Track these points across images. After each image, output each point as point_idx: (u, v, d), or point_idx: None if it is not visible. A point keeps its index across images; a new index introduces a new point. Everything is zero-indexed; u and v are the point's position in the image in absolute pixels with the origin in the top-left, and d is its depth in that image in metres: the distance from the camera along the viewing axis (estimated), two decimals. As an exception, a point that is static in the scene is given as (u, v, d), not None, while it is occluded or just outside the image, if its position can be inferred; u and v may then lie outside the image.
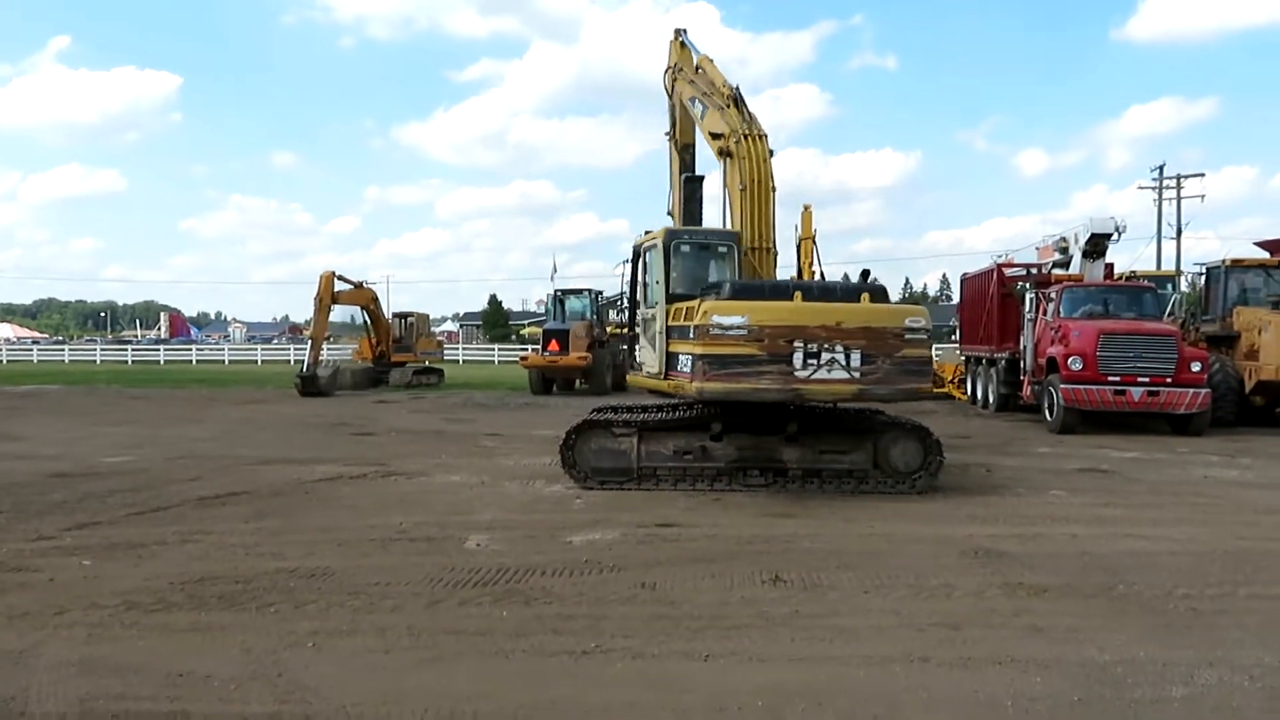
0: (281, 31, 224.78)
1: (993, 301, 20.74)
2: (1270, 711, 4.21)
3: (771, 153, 11.21)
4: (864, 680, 4.50)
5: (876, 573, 6.42)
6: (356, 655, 4.82)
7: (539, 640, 5.04)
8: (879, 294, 9.58)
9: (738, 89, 11.69)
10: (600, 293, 28.07)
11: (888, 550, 7.17)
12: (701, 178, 12.84)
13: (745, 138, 11.11)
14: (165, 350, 63.48)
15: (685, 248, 11.03)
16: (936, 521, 8.27)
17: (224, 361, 57.60)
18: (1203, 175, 49.39)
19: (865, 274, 11.53)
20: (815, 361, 8.80)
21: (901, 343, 8.84)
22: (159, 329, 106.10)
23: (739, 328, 8.84)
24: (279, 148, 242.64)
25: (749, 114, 11.42)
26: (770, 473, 9.75)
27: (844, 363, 8.81)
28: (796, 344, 8.83)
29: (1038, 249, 21.77)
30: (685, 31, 13.74)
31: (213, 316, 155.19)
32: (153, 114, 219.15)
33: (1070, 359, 15.65)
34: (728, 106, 11.56)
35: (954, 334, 35.13)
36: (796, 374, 8.82)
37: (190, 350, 64.58)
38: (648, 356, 10.91)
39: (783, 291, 9.50)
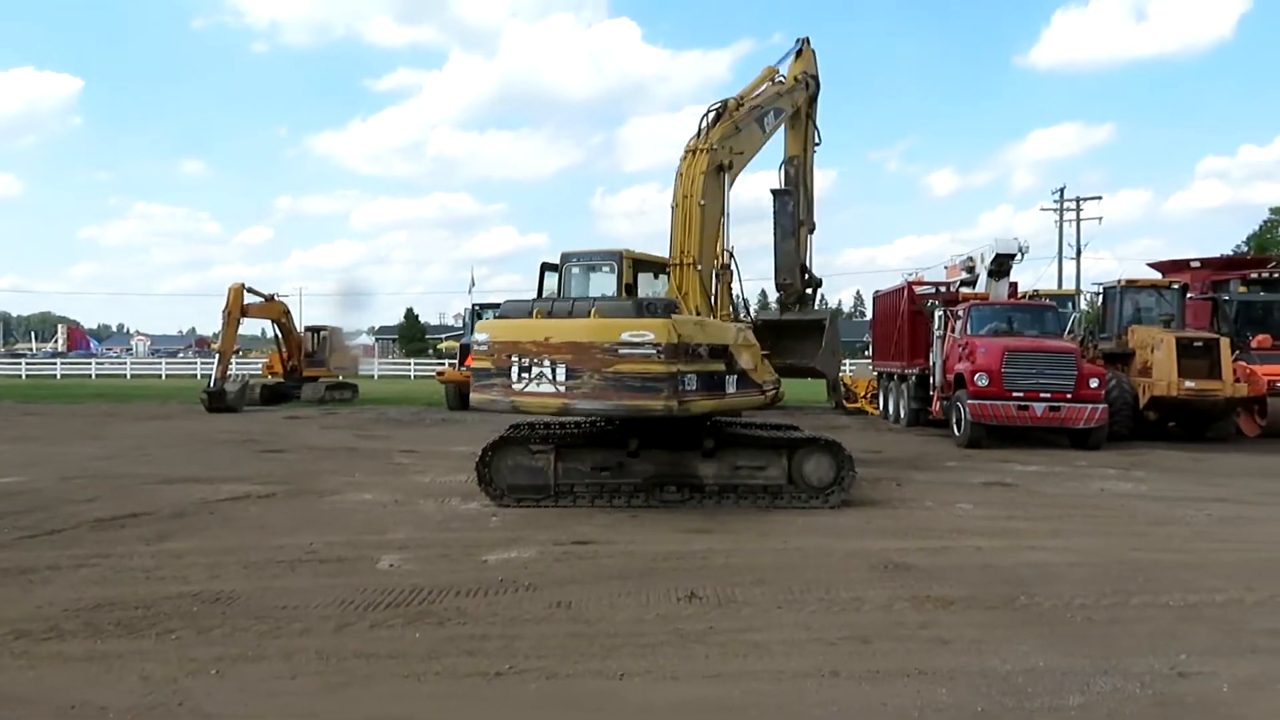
0: (191, 35, 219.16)
1: (904, 319, 21.28)
2: (1160, 718, 4.39)
3: (723, 167, 11.12)
4: (776, 695, 4.56)
5: (790, 587, 6.52)
6: (262, 681, 4.69)
7: (452, 662, 4.98)
8: (656, 309, 9.02)
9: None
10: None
11: (801, 565, 7.27)
12: (786, 191, 13.26)
13: (689, 152, 11.10)
14: (63, 364, 60.86)
15: (575, 268, 11.34)
16: (848, 536, 8.43)
17: (126, 376, 55.46)
18: (1100, 198, 51.51)
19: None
20: (527, 375, 9.17)
21: (614, 358, 8.70)
22: (56, 341, 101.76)
23: (481, 344, 9.63)
24: (188, 155, 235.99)
25: (703, 128, 11.32)
26: (687, 488, 9.82)
27: (550, 376, 9.02)
28: (513, 359, 9.25)
29: (946, 268, 22.50)
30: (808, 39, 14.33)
31: (114, 329, 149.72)
32: (52, 117, 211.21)
33: (977, 375, 16.14)
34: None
35: (867, 350, 35.89)
36: (514, 386, 9.26)
37: (90, 364, 62.07)
38: None
39: (562, 312, 9.50)
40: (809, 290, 13.72)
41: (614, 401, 8.75)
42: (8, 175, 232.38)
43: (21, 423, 21.56)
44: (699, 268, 10.72)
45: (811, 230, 14.05)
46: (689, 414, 8.96)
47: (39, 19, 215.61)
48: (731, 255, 11.34)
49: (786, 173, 14.06)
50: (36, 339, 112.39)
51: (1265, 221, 61.89)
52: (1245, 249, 54.56)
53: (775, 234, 12.98)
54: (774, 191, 13.26)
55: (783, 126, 13.49)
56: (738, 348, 9.80)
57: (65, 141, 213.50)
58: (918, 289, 21.65)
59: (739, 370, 9.69)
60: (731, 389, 9.56)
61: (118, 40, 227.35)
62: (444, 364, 38.69)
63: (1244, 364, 17.91)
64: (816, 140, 14.35)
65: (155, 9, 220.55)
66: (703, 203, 10.84)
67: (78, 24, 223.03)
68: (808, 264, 13.65)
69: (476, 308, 29.09)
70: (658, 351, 8.61)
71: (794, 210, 13.18)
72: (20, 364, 60.42)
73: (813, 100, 14.26)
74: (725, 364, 9.47)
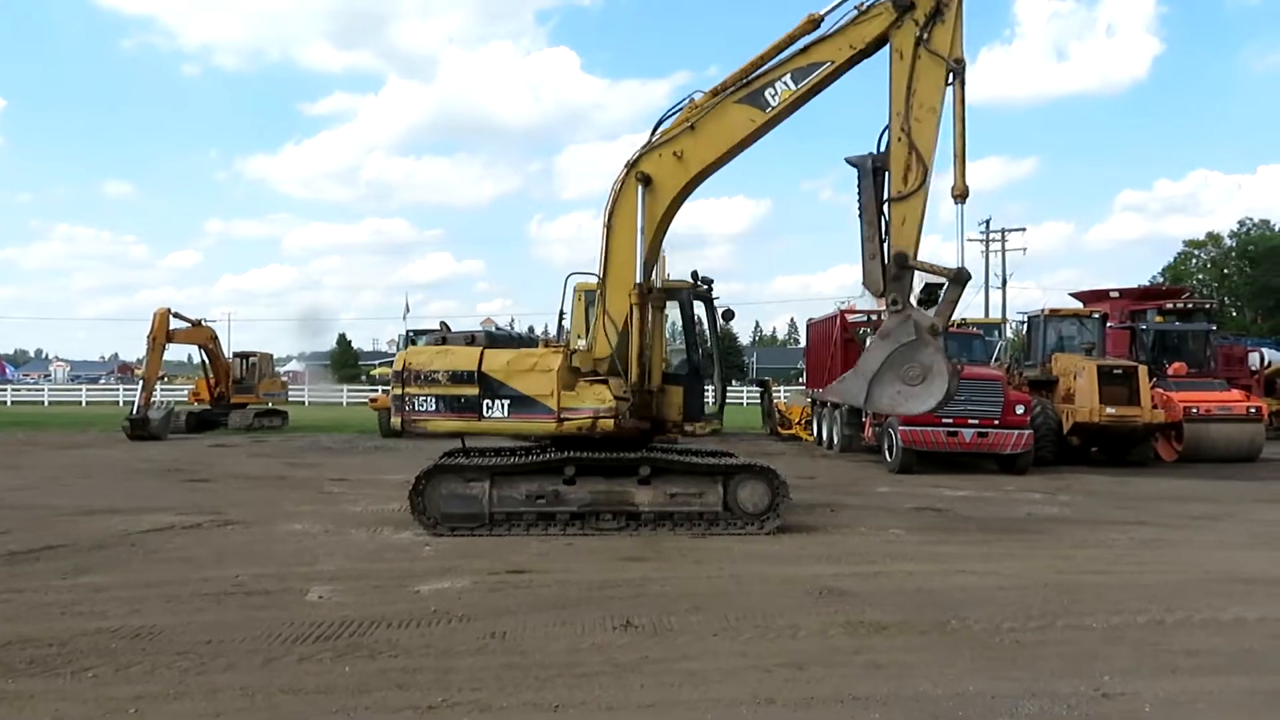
0: (119, 56, 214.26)
1: (837, 346, 21.59)
2: (1085, 737, 4.49)
3: (642, 179, 10.05)
4: (712, 724, 4.55)
5: (725, 614, 6.53)
6: (184, 720, 4.54)
7: (383, 696, 4.88)
8: (473, 340, 10.48)
9: None
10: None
11: (736, 591, 7.30)
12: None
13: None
14: (-24, 390, 58.58)
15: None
16: (783, 562, 8.48)
17: (44, 403, 53.62)
18: (1025, 229, 53.13)
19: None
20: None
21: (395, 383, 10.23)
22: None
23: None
24: (113, 176, 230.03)
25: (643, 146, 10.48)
26: (623, 516, 9.79)
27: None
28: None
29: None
30: None
31: (32, 354, 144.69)
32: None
33: (907, 402, 16.39)
34: None
35: (801, 377, 36.28)
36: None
37: (5, 390, 59.82)
38: None
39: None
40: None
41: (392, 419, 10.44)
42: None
43: (-70, 452, 20.67)
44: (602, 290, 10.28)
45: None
46: (424, 431, 10.17)
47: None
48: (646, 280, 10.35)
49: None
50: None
51: (1179, 253, 64.52)
52: (1161, 280, 56.66)
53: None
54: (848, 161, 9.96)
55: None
56: (511, 373, 9.83)
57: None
58: (850, 317, 22.02)
59: (512, 395, 9.80)
60: (497, 413, 9.85)
61: (43, 60, 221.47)
62: (377, 390, 38.13)
63: (1161, 391, 18.54)
64: (953, 67, 9.35)
65: (82, 29, 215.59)
66: (609, 224, 10.22)
67: (3, 43, 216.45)
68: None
69: (411, 334, 28.80)
70: (394, 375, 10.21)
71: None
72: (-70, 390, 58.01)
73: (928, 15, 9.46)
74: (481, 388, 9.81)
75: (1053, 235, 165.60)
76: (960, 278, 9.56)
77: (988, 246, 50.36)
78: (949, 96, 9.44)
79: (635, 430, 10.07)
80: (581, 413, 9.81)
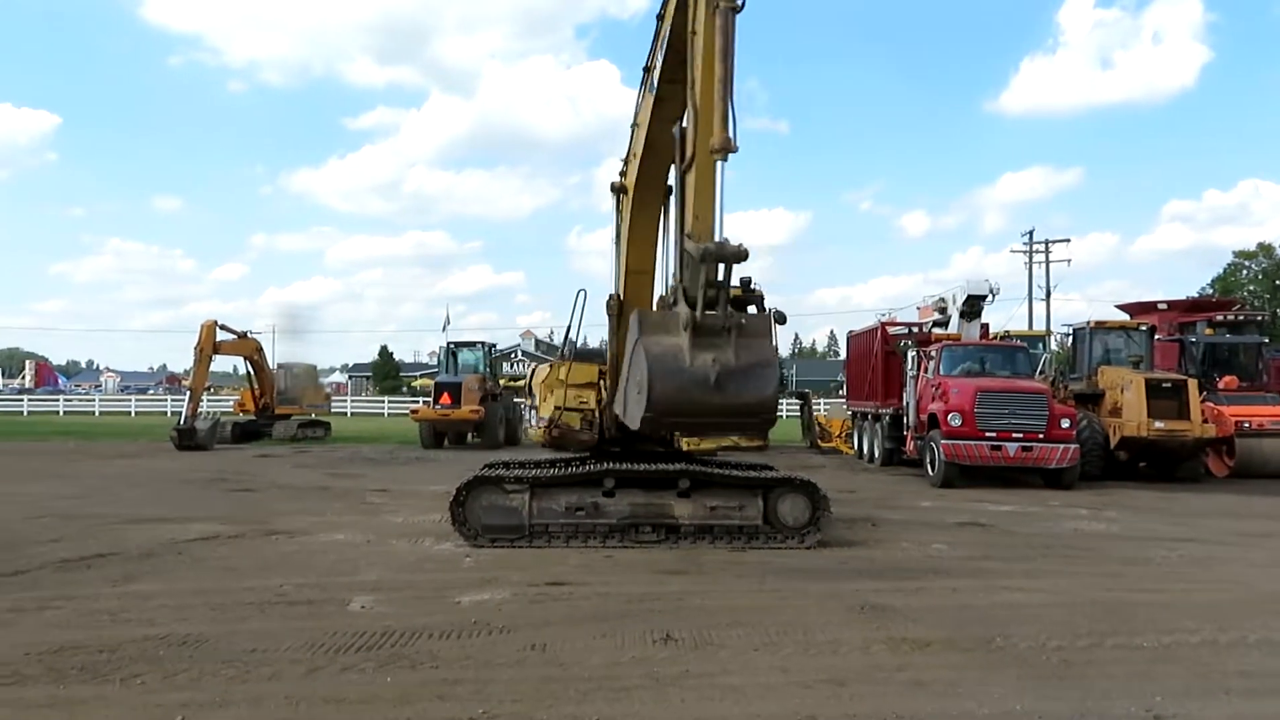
0: (168, 73, 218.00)
1: (877, 359, 21.46)
2: (1136, 760, 4.39)
3: (618, 190, 10.71)
4: (753, 740, 4.51)
5: (766, 629, 6.48)
6: (229, 728, 4.59)
7: (423, 707, 4.90)
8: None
9: None
10: (494, 345, 27.89)
11: (777, 606, 7.24)
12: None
13: None
14: (30, 400, 59.98)
15: None
16: (824, 577, 8.40)
17: (94, 413, 54.74)
18: (1069, 240, 52.62)
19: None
20: None
21: None
22: (23, 378, 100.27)
23: None
24: (162, 191, 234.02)
25: None
26: (662, 529, 9.77)
27: None
28: None
29: (919, 308, 22.81)
30: None
31: (83, 365, 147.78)
32: (27, 153, 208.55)
33: (950, 415, 16.24)
34: None
35: (841, 389, 36.04)
36: None
37: (57, 400, 61.19)
38: None
39: None
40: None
41: None
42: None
43: (-15, 461, 21.18)
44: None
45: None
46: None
47: (19, 57, 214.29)
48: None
49: None
50: (3, 375, 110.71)
51: (1229, 264, 63.36)
52: (1210, 291, 55.61)
53: None
54: None
55: None
56: (538, 387, 10.13)
57: (38, 177, 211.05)
58: (891, 329, 21.87)
59: (534, 406, 10.11)
60: (530, 422, 10.25)
61: (96, 78, 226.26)
62: (418, 402, 38.48)
63: (1212, 405, 18.16)
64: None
65: (134, 47, 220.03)
66: (614, 236, 10.64)
67: (58, 62, 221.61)
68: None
69: (451, 345, 29.07)
70: (532, 391, 10.94)
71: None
72: (-15, 401, 59.53)
73: None
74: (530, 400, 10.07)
75: (1098, 246, 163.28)
76: (705, 256, 7.54)
77: (1031, 258, 49.83)
78: (717, 39, 7.54)
79: (584, 439, 10.53)
80: (545, 421, 10.31)
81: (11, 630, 6.32)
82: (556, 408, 10.81)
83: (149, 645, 5.94)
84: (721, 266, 7.40)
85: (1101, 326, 20.44)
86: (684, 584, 8.02)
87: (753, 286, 10.37)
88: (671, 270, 9.09)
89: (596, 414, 10.42)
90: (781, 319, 8.92)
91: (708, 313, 7.45)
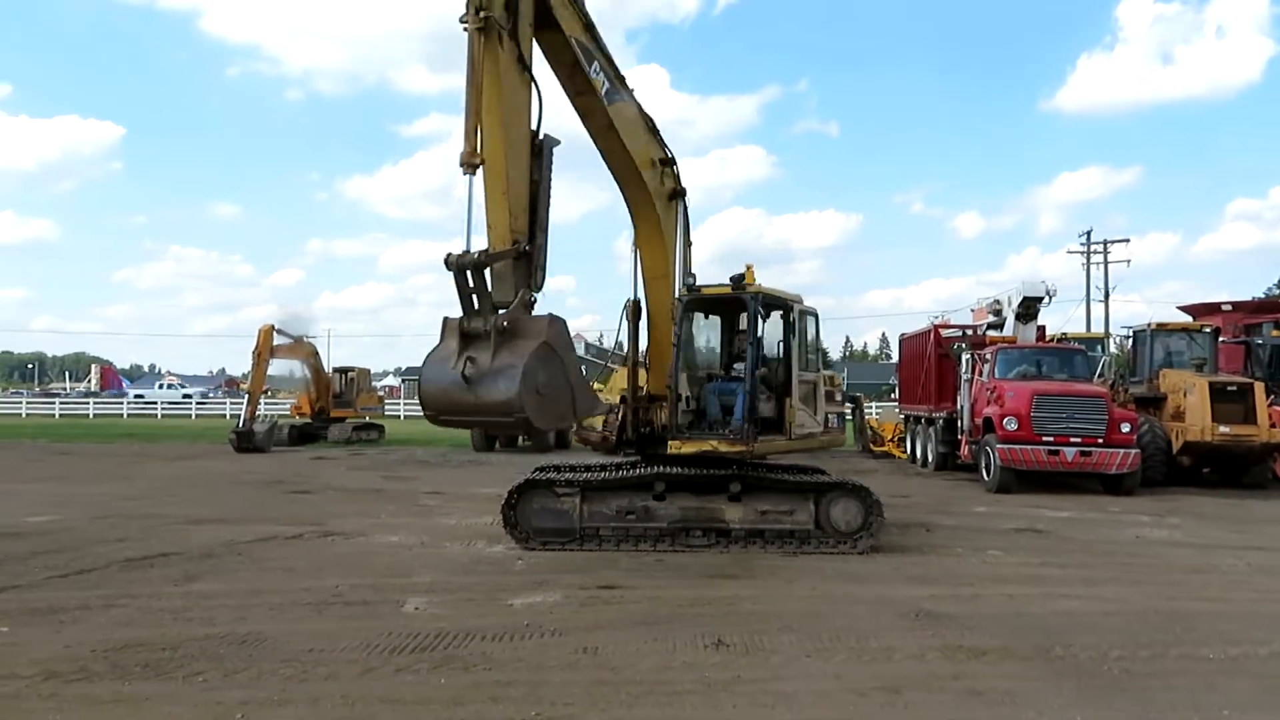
0: (227, 83, 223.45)
1: (930, 362, 21.16)
2: (1202, 774, 4.27)
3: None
4: (806, 747, 4.47)
5: (818, 635, 6.43)
6: (287, 727, 4.67)
7: (477, 709, 4.94)
8: None
9: None
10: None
11: (829, 612, 7.18)
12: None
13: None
14: (95, 403, 61.66)
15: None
16: (877, 582, 8.31)
17: (156, 415, 56.09)
18: (1128, 240, 51.49)
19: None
20: None
21: None
22: (89, 381, 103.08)
23: None
24: (221, 199, 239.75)
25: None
26: (713, 533, 9.74)
27: None
28: None
29: (973, 310, 22.37)
30: None
31: (146, 369, 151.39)
32: (92, 163, 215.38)
33: (1005, 419, 15.96)
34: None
35: (893, 393, 35.65)
36: None
37: (121, 403, 62.81)
38: (805, 418, 10.47)
39: None
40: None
41: None
42: (47, 220, 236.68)
43: (54, 462, 21.83)
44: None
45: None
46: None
47: (85, 69, 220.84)
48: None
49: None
50: (70, 379, 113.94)
51: (1298, 264, 61.32)
52: (1277, 292, 53.98)
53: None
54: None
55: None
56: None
57: (103, 186, 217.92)
58: (944, 332, 21.54)
59: None
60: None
61: (159, 88, 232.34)
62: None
63: (1279, 409, 17.63)
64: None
65: (195, 58, 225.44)
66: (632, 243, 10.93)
67: (122, 74, 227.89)
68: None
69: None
70: None
71: None
72: (54, 403, 61.29)
73: None
74: None
75: (1158, 247, 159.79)
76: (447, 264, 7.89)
77: (1088, 259, 48.77)
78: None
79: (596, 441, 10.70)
80: None
81: (79, 628, 6.50)
82: None
83: (210, 644, 6.08)
84: (471, 274, 7.80)
85: (1163, 328, 19.93)
86: (735, 588, 7.99)
87: (744, 283, 10.23)
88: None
89: (618, 418, 10.52)
90: (557, 322, 8.11)
91: (474, 319, 7.79)
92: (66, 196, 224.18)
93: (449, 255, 7.84)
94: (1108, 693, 5.33)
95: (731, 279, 10.15)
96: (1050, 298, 19.85)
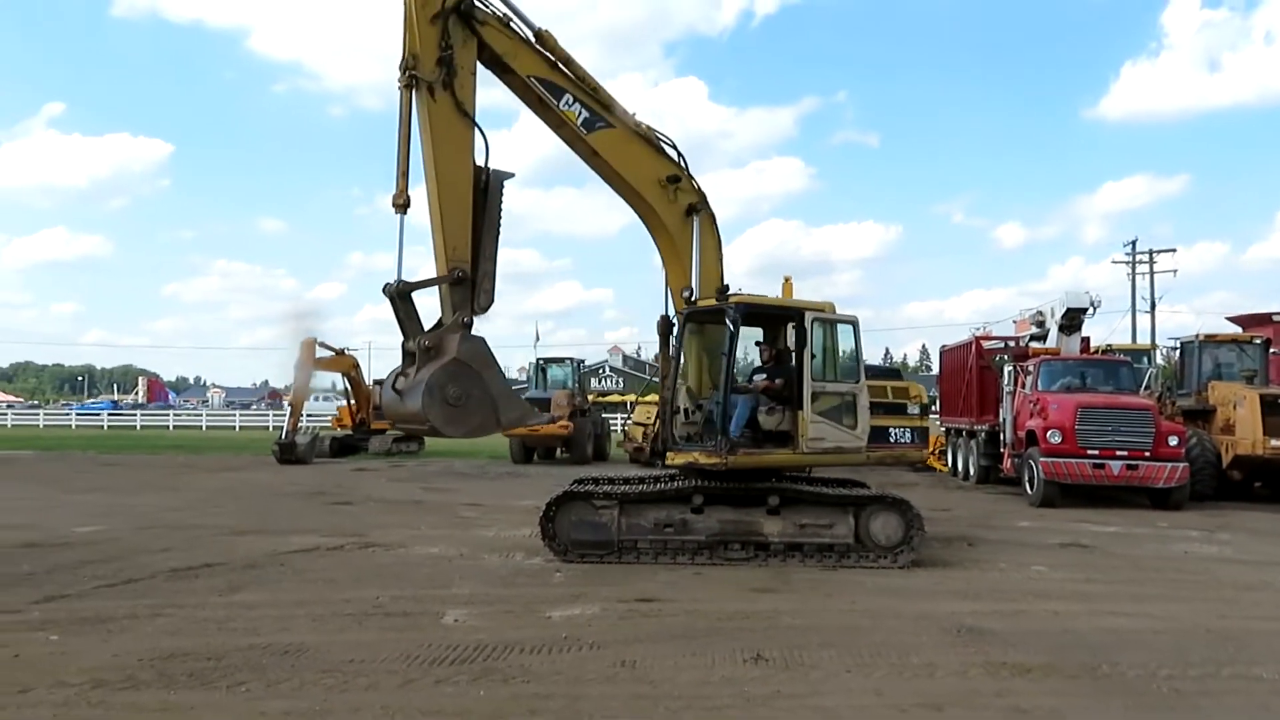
0: (273, 99, 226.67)
1: (971, 374, 20.92)
2: (1256, 797, 4.17)
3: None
4: (846, 764, 4.43)
5: (858, 650, 6.36)
6: (329, 737, 4.71)
7: (516, 721, 4.94)
8: None
9: None
10: (582, 361, 28.09)
11: (870, 627, 7.11)
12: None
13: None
14: (142, 415, 62.84)
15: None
16: (918, 597, 8.22)
17: (202, 427, 57.03)
18: (1175, 250, 50.25)
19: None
20: None
21: None
22: (136, 393, 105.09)
23: None
24: (266, 214, 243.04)
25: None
26: (751, 546, 9.69)
27: None
28: None
29: (1015, 322, 22.14)
30: None
31: (191, 381, 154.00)
32: (142, 180, 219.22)
33: (1049, 432, 15.73)
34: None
35: (934, 405, 35.27)
36: None
37: (168, 415, 63.94)
38: (829, 430, 10.22)
39: None
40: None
41: None
42: (98, 235, 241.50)
43: (101, 473, 22.26)
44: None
45: None
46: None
47: (137, 88, 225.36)
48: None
49: None
50: (118, 391, 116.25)
51: (1352, 273, 59.90)
52: (1331, 302, 52.73)
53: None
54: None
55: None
56: None
57: (153, 203, 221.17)
58: (986, 344, 21.31)
59: None
60: None
61: (207, 106, 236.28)
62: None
63: (1334, 422, 17.18)
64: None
65: (242, 75, 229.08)
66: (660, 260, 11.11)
67: (172, 92, 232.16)
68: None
69: (541, 361, 29.42)
70: None
71: None
72: (102, 415, 62.54)
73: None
74: None
75: (1206, 256, 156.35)
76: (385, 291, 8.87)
77: (1134, 269, 47.92)
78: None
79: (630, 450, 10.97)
80: None
81: (126, 637, 6.62)
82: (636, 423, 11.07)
83: (253, 654, 6.15)
84: (400, 300, 8.81)
85: (1211, 340, 19.54)
86: (774, 602, 7.94)
87: (729, 294, 10.17)
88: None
89: (651, 430, 10.68)
90: (471, 340, 8.98)
91: (409, 339, 8.86)
92: (117, 213, 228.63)
93: (386, 284, 8.81)
94: (1156, 712, 5.22)
95: (718, 291, 10.28)
96: (1094, 309, 19.56)
